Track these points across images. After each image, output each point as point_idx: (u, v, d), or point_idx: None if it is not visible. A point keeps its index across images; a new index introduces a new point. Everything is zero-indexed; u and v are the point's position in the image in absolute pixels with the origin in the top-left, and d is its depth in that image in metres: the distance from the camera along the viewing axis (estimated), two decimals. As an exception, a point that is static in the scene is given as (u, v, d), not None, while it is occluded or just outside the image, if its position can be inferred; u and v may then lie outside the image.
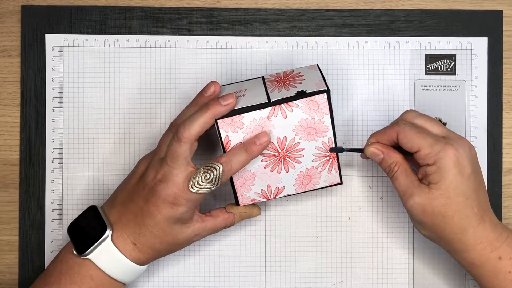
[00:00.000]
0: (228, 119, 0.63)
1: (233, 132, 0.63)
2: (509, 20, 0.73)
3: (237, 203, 0.67)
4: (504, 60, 0.73)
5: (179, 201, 0.61)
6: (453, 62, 0.73)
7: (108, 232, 0.62)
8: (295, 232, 0.73)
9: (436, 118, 0.66)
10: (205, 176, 0.61)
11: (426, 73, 0.73)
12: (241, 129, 0.63)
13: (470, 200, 0.61)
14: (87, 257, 0.62)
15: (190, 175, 0.61)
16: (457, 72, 0.73)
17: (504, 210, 0.73)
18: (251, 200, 0.67)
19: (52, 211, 0.72)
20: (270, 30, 0.73)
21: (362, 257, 0.73)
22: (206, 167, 0.62)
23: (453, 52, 0.73)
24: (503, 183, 0.73)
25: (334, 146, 0.65)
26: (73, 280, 0.63)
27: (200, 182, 0.61)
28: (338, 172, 0.67)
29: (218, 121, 0.62)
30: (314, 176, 0.66)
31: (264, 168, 0.65)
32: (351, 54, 0.73)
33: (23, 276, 0.72)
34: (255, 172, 0.65)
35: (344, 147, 0.67)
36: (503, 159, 0.73)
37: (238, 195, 0.67)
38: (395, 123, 0.64)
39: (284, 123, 0.63)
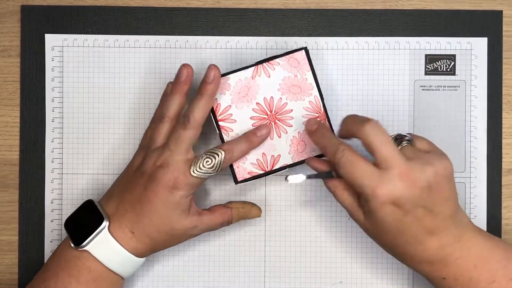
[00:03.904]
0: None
1: (221, 94, 0.67)
2: (509, 20, 0.73)
3: (235, 180, 0.67)
4: (504, 60, 0.73)
5: (179, 185, 0.62)
6: (452, 62, 0.73)
7: (106, 223, 0.63)
8: (295, 232, 0.73)
9: (397, 136, 0.62)
10: (207, 161, 0.63)
11: (426, 73, 0.73)
12: (228, 90, 0.67)
13: (406, 236, 0.59)
14: (85, 248, 0.62)
15: (190, 161, 0.63)
16: (456, 72, 0.73)
17: (504, 211, 0.73)
18: (248, 173, 0.67)
19: (52, 211, 0.72)
20: (270, 30, 0.73)
21: (362, 257, 0.73)
22: (208, 153, 0.64)
23: (452, 52, 0.73)
24: (503, 183, 0.73)
25: (322, 105, 0.67)
26: (70, 273, 0.63)
27: (201, 167, 0.63)
28: None
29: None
30: (308, 141, 0.67)
31: None
32: (351, 54, 0.73)
33: (22, 276, 0.72)
34: None
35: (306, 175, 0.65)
36: (503, 159, 0.73)
37: (234, 166, 0.67)
38: (337, 148, 0.60)
39: (268, 82, 0.67)
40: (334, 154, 0.60)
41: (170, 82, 0.69)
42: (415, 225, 0.59)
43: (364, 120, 0.59)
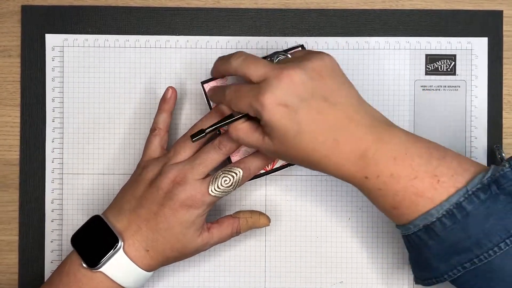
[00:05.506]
0: (212, 82, 0.66)
1: None
2: (509, 20, 0.73)
3: None
4: (504, 60, 0.73)
5: (196, 203, 0.62)
6: (453, 62, 0.73)
7: (120, 243, 0.61)
8: (295, 232, 0.73)
9: (272, 54, 0.63)
10: (225, 180, 0.62)
11: (426, 73, 0.73)
12: None
13: (310, 135, 0.57)
14: (99, 270, 0.61)
15: (207, 179, 0.62)
16: (457, 72, 0.73)
17: (504, 210, 0.73)
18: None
19: (52, 211, 0.72)
20: (270, 30, 0.73)
21: (362, 257, 0.73)
22: (226, 171, 0.63)
23: (453, 52, 0.73)
24: (503, 183, 0.73)
25: None
26: None
27: (220, 186, 0.62)
28: None
29: (204, 85, 0.66)
30: None
31: None
32: (351, 54, 0.73)
33: (23, 276, 0.72)
34: None
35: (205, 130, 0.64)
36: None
37: None
38: (225, 89, 0.61)
39: None
40: (225, 96, 0.61)
41: (169, 87, 0.68)
42: (317, 121, 0.56)
43: (229, 56, 0.61)
